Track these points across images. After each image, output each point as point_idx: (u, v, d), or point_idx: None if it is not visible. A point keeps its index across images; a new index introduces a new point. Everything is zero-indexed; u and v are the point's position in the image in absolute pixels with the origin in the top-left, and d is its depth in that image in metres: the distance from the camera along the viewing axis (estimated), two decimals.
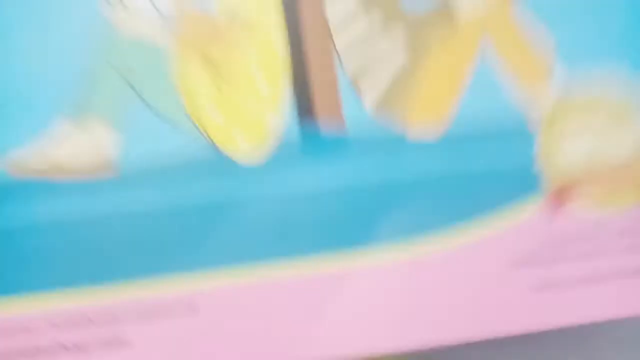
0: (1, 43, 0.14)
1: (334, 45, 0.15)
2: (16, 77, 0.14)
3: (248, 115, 0.15)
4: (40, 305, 0.14)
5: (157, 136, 0.15)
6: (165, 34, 0.14)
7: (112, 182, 0.14)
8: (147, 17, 0.14)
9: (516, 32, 0.16)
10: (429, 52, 0.15)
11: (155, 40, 0.14)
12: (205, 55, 0.15)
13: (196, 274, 0.15)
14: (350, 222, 0.15)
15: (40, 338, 0.14)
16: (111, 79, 0.14)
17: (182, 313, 0.15)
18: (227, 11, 0.15)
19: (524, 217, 0.16)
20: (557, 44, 0.16)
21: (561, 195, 0.16)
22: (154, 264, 0.15)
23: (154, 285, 0.15)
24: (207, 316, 0.15)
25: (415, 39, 0.15)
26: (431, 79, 0.16)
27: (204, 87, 0.15)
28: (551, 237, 0.16)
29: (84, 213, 0.14)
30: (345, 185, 0.15)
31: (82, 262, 0.14)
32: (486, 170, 0.16)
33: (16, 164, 0.14)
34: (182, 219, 0.15)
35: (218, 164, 0.15)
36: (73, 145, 0.14)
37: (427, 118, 0.16)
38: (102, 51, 0.14)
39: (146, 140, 0.14)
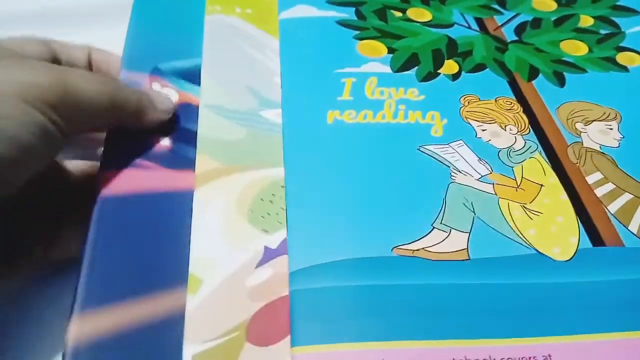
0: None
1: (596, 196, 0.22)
2: (414, 205, 0.21)
3: (554, 235, 0.21)
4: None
5: (493, 240, 0.20)
6: (485, 185, 0.22)
7: (465, 263, 0.20)
8: (474, 176, 0.22)
9: None
10: None
11: (479, 187, 0.22)
12: (514, 198, 0.22)
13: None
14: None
15: None
16: (460, 209, 0.21)
17: None
18: (519, 175, 0.23)
19: None
20: None
21: None
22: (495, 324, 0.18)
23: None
24: None
25: None
26: None
27: (519, 215, 0.21)
28: None
29: (446, 281, 0.19)
30: (624, 279, 0.20)
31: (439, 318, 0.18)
32: None
33: (400, 250, 0.20)
34: (511, 292, 0.19)
35: (535, 258, 0.20)
36: (440, 243, 0.20)
37: None
38: (454, 194, 0.22)
39: (487, 242, 0.20)
